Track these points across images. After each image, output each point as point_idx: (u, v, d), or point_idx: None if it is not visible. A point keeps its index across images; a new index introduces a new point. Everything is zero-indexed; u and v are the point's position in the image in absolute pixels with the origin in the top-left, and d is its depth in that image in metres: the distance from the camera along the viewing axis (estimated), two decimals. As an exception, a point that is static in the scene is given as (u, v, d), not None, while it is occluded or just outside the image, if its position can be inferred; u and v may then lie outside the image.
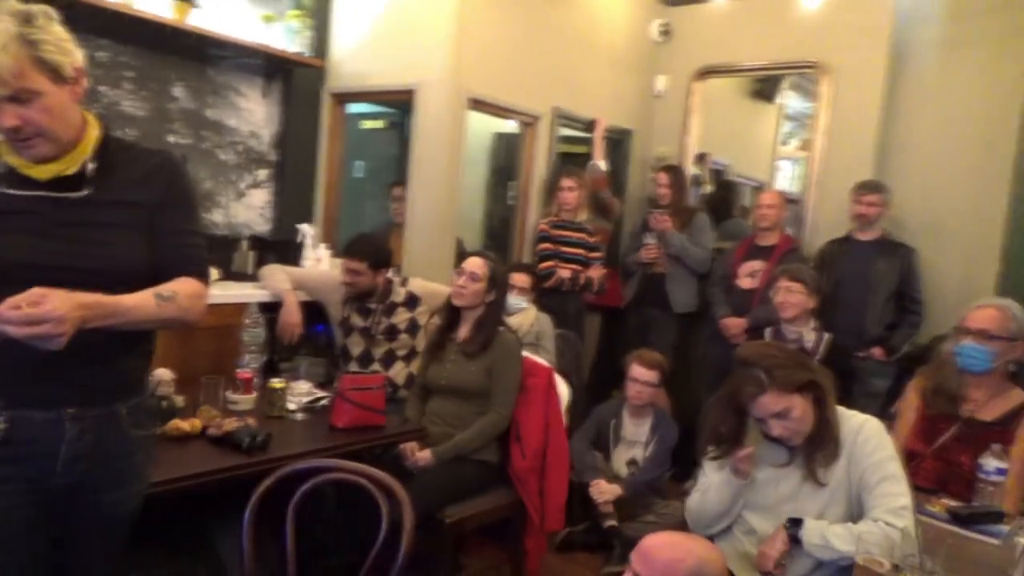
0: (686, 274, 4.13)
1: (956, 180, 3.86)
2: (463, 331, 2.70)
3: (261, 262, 3.24)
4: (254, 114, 3.52)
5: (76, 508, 1.42)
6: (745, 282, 3.86)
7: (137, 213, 1.40)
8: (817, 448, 1.81)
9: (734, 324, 3.76)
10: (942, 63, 3.94)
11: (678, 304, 4.12)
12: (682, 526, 3.10)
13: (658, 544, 1.49)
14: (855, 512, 1.78)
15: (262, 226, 3.63)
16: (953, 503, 1.97)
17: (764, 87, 5.18)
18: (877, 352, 3.52)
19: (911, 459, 2.22)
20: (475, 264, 2.67)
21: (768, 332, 3.24)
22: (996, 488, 1.99)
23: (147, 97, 3.13)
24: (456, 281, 2.67)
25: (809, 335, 3.08)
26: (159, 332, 1.52)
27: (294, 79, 3.62)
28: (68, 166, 1.35)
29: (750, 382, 1.80)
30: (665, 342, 4.05)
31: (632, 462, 3.29)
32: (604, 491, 3.05)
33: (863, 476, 1.78)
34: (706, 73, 4.68)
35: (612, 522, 3.03)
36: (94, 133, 1.39)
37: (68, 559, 1.45)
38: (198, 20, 3.06)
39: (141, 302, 1.33)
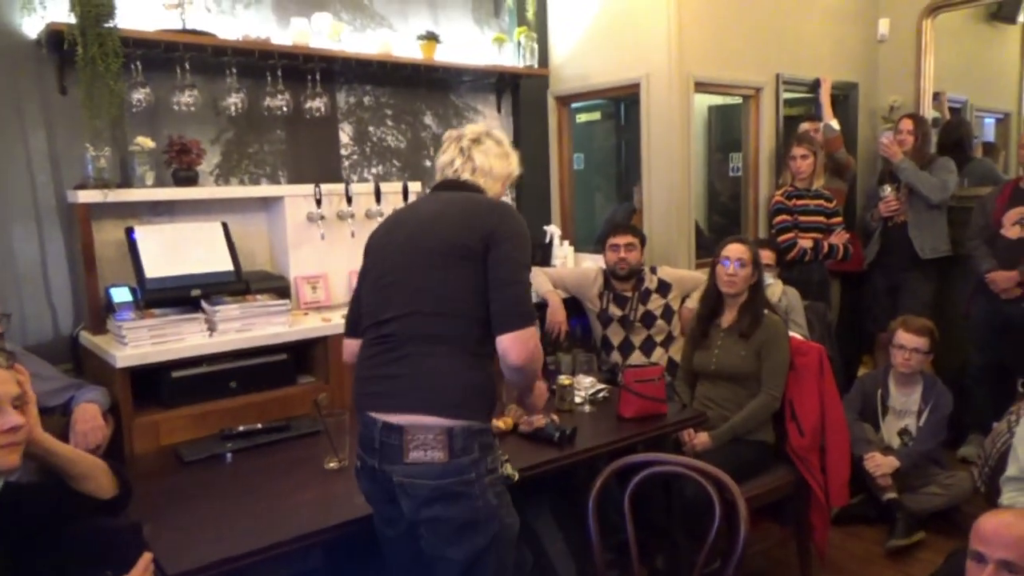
0: (930, 216, 3.89)
1: None
2: (728, 316, 2.78)
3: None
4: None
5: None
6: (1012, 231, 3.56)
7: None
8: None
9: (1004, 278, 3.50)
10: None
11: (925, 250, 3.89)
12: (970, 496, 3.00)
13: (1003, 523, 1.51)
14: None
15: (509, 231, 3.92)
16: None
17: (1003, 8, 4.69)
18: None
19: None
20: (740, 251, 2.73)
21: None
22: None
23: (404, 130, 3.50)
24: (725, 270, 2.73)
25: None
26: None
27: (521, 90, 3.86)
28: None
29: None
30: (919, 302, 3.86)
31: (904, 432, 3.20)
32: (881, 464, 3.01)
33: None
34: (936, 8, 4.34)
35: (892, 495, 2.99)
36: None
37: None
38: (441, 54, 3.38)
39: None
